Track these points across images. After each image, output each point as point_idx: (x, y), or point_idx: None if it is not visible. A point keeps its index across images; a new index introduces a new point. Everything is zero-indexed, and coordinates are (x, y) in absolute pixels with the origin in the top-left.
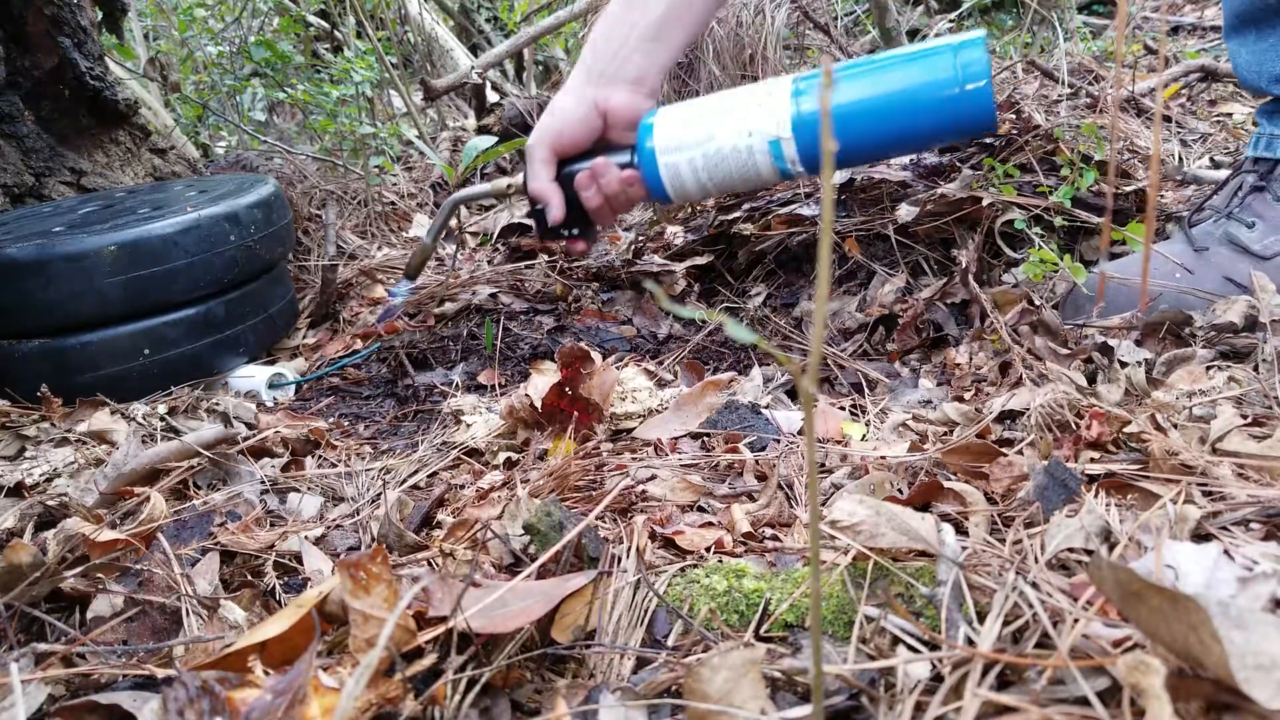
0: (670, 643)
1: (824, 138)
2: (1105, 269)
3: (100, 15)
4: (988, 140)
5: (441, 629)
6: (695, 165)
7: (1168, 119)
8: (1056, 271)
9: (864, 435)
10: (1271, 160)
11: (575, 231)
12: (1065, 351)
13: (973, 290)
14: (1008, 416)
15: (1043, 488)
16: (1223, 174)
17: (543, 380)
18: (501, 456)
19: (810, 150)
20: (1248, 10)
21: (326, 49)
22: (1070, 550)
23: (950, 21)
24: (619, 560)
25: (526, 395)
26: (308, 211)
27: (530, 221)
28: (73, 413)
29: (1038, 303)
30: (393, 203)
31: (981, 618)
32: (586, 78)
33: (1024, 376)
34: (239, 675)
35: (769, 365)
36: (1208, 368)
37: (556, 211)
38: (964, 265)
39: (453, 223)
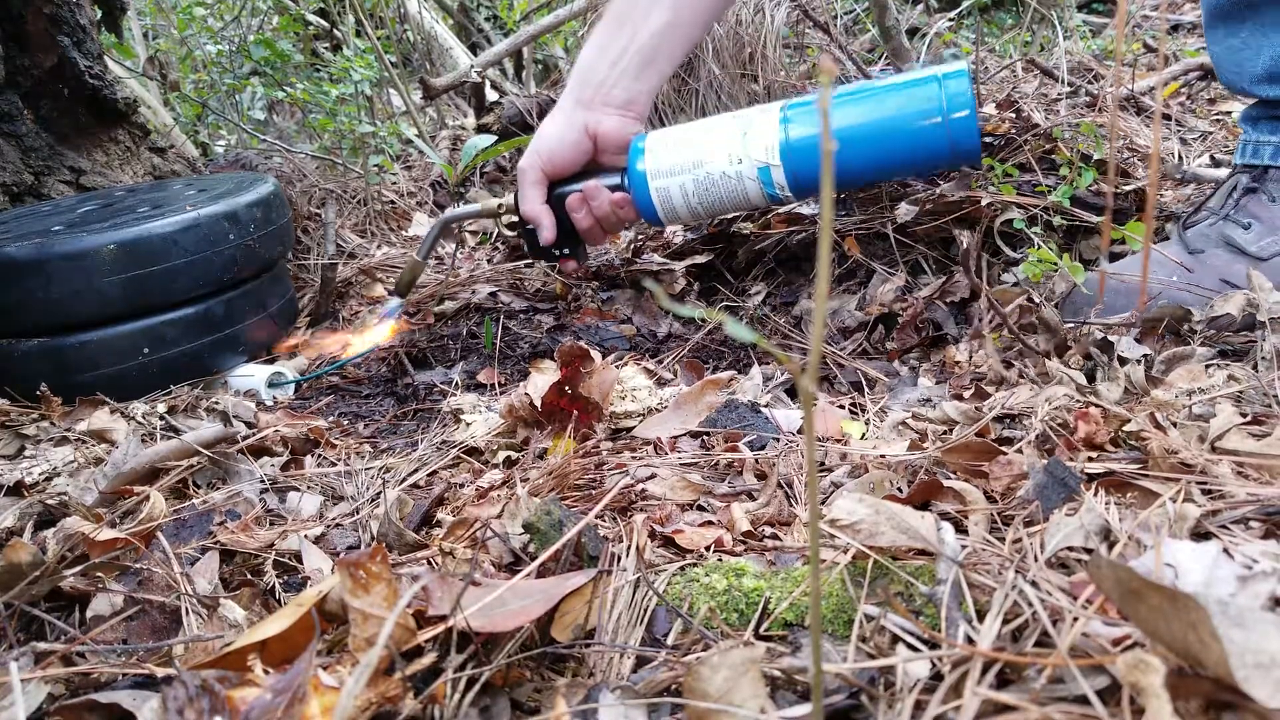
0: (670, 641)
1: (824, 139)
2: (1105, 268)
3: (99, 14)
4: (987, 139)
5: (441, 628)
6: (686, 190)
7: (1167, 117)
8: (1056, 271)
9: (863, 434)
10: (1260, 166)
11: (566, 251)
12: (1065, 349)
13: (974, 281)
14: (1007, 415)
15: (1042, 486)
16: (1222, 172)
17: (542, 379)
18: (501, 455)
19: (798, 176)
20: (1218, 6)
21: (326, 48)
22: (1070, 549)
23: (950, 20)
24: (618, 559)
25: (526, 394)
26: (307, 210)
27: (522, 242)
28: (72, 411)
29: (1037, 300)
30: (392, 201)
31: (981, 616)
32: (576, 101)
33: (1024, 374)
34: (239, 674)
35: (768, 364)
36: (1207, 366)
37: (548, 233)
38: (965, 247)
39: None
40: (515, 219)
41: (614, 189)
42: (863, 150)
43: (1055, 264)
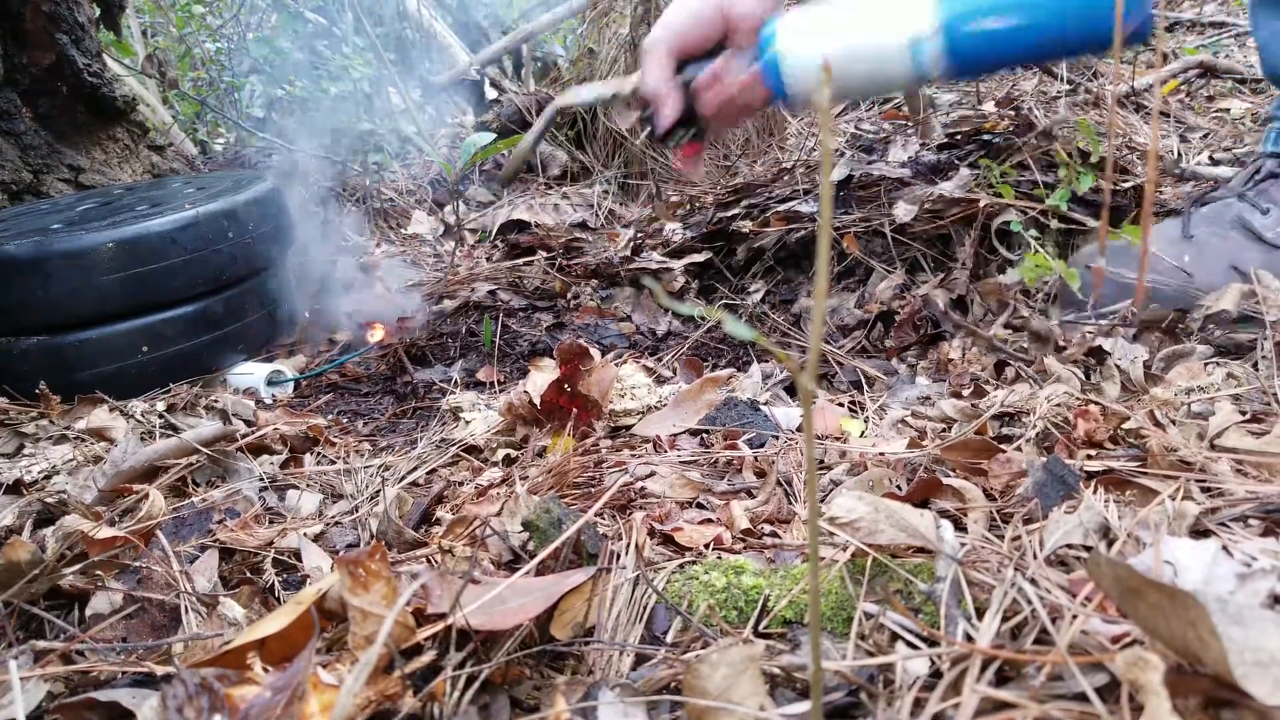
0: (669, 639)
1: (824, 130)
2: (1100, 262)
3: (98, 12)
4: (985, 138)
5: (440, 626)
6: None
7: (1166, 115)
8: (1053, 274)
9: (863, 432)
10: None
11: (693, 133)
12: (1060, 351)
13: (970, 289)
14: (1006, 413)
15: (1041, 484)
16: (1221, 170)
17: (542, 377)
18: (500, 453)
19: (958, 53)
20: None
21: (325, 45)
22: (1069, 546)
23: None
24: (618, 557)
25: (525, 392)
26: (306, 208)
27: (640, 127)
28: (71, 410)
29: (1033, 307)
30: (391, 199)
31: (980, 614)
32: None
33: (1020, 374)
34: (238, 672)
35: (768, 362)
36: (1206, 364)
37: (670, 114)
38: (962, 262)
39: (452, 219)
40: (637, 104)
41: (746, 66)
42: (1030, 16)
43: (1051, 268)
